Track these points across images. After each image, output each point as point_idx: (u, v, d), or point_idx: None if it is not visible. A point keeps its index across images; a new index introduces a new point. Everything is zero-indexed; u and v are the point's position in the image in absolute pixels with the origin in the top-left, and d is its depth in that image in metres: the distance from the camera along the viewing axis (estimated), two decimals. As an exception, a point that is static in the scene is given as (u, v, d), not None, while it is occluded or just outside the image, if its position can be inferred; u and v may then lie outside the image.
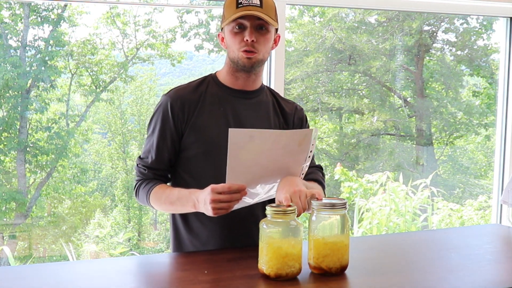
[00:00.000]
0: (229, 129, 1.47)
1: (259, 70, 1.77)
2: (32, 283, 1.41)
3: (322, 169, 1.90)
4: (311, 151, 1.57)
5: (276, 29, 1.78)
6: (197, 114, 1.74)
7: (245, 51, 1.68)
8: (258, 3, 1.67)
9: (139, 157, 1.82)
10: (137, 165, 1.81)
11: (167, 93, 1.78)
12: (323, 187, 1.83)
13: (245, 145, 1.48)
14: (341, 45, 6.26)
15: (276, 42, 1.79)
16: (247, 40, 1.67)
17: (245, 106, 1.79)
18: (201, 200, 1.56)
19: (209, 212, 1.54)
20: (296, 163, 1.59)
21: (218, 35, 1.79)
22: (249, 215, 1.76)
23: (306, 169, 1.65)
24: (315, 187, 1.71)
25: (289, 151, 1.55)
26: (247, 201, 1.60)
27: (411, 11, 5.84)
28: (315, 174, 1.83)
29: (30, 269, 1.64)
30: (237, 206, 1.56)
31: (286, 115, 1.86)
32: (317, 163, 1.90)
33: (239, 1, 1.67)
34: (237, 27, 1.69)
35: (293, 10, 6.35)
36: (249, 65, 1.71)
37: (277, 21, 1.73)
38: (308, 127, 1.92)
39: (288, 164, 1.57)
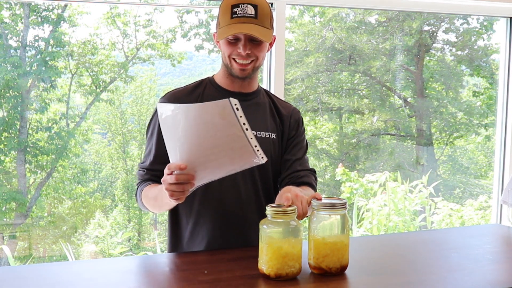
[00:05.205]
0: (157, 103, 1.44)
1: (254, 75, 1.78)
2: (32, 283, 1.41)
3: (315, 173, 1.90)
4: (244, 124, 1.40)
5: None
6: None
7: (240, 63, 1.70)
8: (253, 13, 1.67)
9: (140, 162, 1.83)
10: (138, 169, 1.82)
11: (164, 95, 1.79)
12: (315, 191, 1.82)
13: (171, 121, 1.44)
14: (341, 45, 6.26)
15: (271, 43, 1.79)
16: (241, 52, 1.68)
17: (242, 108, 1.79)
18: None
19: (168, 197, 1.49)
20: (236, 141, 1.43)
21: (214, 34, 1.79)
22: (240, 217, 1.77)
23: (258, 146, 1.44)
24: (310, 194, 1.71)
25: (218, 126, 1.41)
26: (210, 177, 1.53)
27: (411, 11, 5.84)
28: (308, 177, 1.83)
29: (30, 269, 1.64)
30: (201, 182, 1.50)
31: (283, 117, 1.86)
32: (311, 167, 1.89)
33: (234, 10, 1.67)
34: (231, 37, 1.70)
35: (293, 10, 6.35)
36: (243, 76, 1.74)
37: (272, 28, 1.74)
38: (304, 129, 1.93)
39: (227, 142, 1.43)
